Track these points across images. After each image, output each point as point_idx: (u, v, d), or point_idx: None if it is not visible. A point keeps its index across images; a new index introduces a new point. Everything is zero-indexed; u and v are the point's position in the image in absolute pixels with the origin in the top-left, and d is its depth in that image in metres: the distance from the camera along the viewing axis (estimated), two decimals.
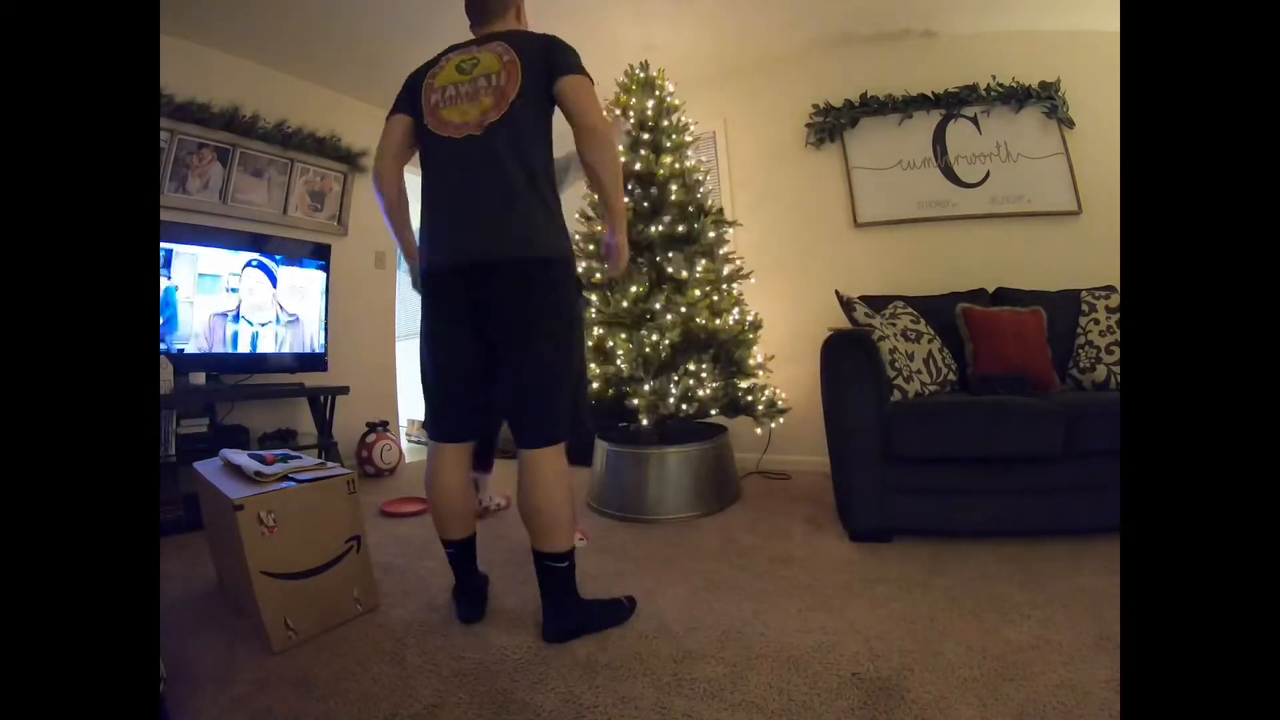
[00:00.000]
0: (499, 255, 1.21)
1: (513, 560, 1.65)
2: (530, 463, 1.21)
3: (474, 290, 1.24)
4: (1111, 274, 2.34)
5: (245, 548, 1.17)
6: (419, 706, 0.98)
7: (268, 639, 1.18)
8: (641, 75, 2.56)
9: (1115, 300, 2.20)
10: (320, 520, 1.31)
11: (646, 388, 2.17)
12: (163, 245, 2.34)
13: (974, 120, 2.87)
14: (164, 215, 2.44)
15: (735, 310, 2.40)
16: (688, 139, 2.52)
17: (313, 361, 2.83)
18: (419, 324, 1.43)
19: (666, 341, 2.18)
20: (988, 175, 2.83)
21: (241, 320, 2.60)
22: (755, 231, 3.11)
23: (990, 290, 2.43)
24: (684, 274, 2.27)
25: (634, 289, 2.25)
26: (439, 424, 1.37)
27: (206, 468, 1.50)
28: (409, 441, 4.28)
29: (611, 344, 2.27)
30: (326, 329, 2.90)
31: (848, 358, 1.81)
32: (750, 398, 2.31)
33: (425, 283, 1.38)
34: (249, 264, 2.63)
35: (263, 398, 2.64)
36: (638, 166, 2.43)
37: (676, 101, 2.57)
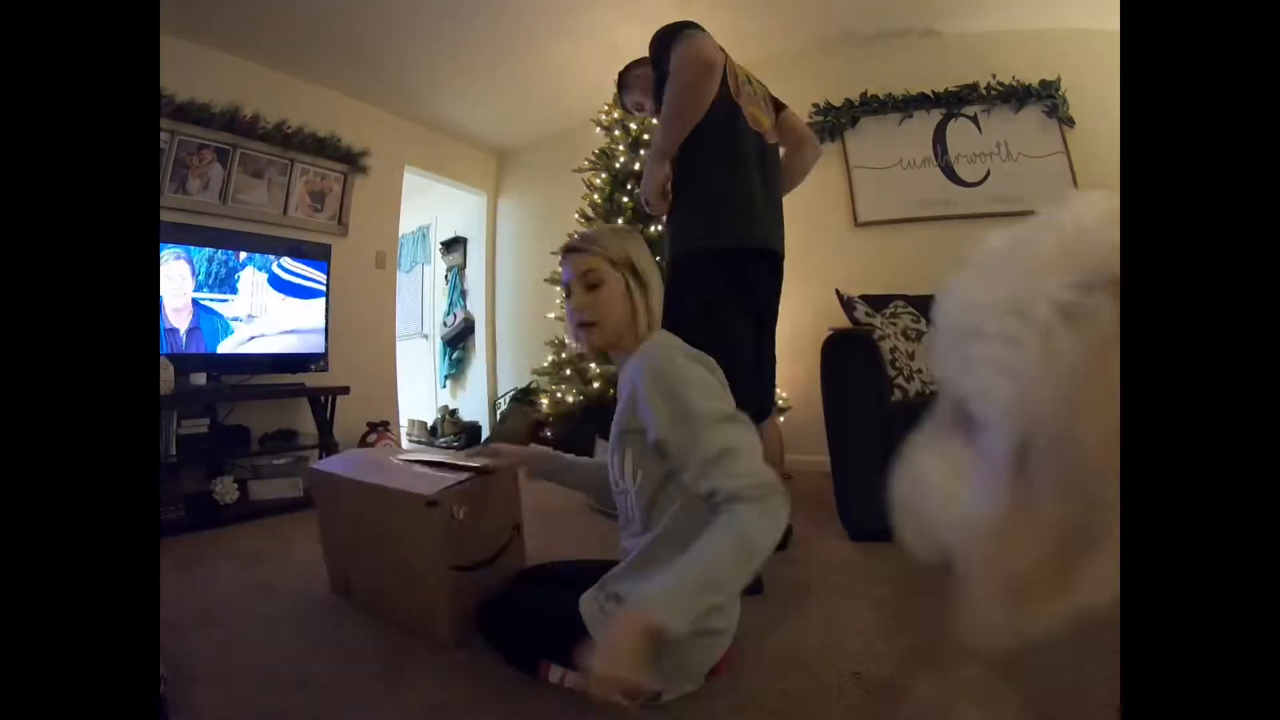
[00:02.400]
0: (780, 248, 1.51)
1: None
2: (775, 428, 1.55)
3: (762, 273, 1.47)
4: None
5: (436, 544, 1.14)
6: None
7: (447, 635, 1.15)
8: None
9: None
10: (495, 509, 1.30)
11: None
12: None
13: (974, 119, 2.87)
14: (164, 215, 2.44)
15: None
16: None
17: (313, 361, 2.83)
18: (693, 303, 1.36)
19: None
20: (988, 174, 2.83)
21: (242, 319, 2.60)
22: None
23: None
24: None
25: None
26: (761, 400, 1.56)
27: (333, 465, 1.45)
28: (409, 441, 4.29)
29: None
30: (327, 329, 2.90)
31: (848, 357, 1.81)
32: None
33: (727, 259, 1.39)
34: (249, 264, 2.63)
35: (263, 398, 2.64)
36: (637, 166, 2.43)
37: None
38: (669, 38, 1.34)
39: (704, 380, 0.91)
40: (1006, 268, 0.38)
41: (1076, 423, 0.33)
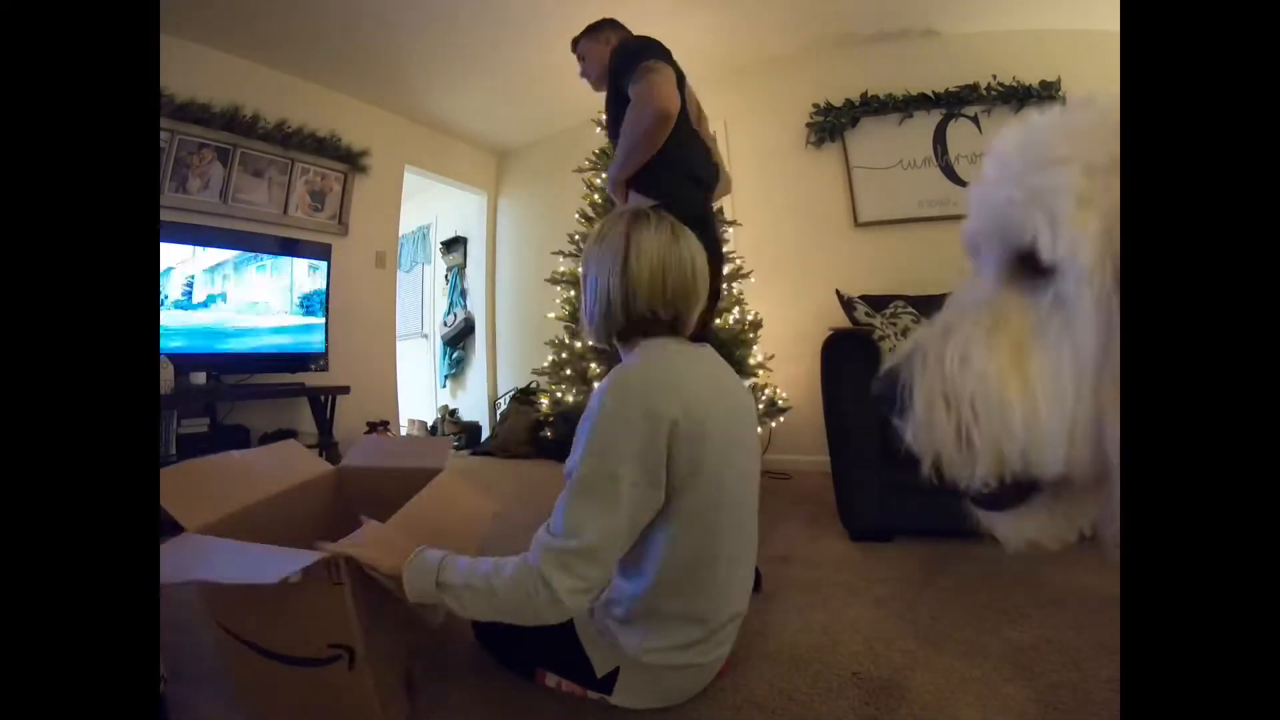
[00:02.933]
0: None
1: None
2: None
3: None
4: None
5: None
6: None
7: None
8: None
9: None
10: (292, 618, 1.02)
11: None
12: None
13: (974, 120, 2.87)
14: (164, 215, 2.44)
15: (735, 310, 2.40)
16: None
17: (313, 361, 2.83)
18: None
19: None
20: None
21: (242, 319, 2.60)
22: (755, 231, 3.10)
23: None
24: None
25: None
26: None
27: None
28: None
29: None
30: (326, 329, 2.90)
31: (848, 357, 1.81)
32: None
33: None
34: (249, 263, 2.63)
35: (263, 397, 2.64)
36: None
37: None
38: (632, 61, 1.37)
39: (612, 426, 0.81)
40: (1078, 113, 0.35)
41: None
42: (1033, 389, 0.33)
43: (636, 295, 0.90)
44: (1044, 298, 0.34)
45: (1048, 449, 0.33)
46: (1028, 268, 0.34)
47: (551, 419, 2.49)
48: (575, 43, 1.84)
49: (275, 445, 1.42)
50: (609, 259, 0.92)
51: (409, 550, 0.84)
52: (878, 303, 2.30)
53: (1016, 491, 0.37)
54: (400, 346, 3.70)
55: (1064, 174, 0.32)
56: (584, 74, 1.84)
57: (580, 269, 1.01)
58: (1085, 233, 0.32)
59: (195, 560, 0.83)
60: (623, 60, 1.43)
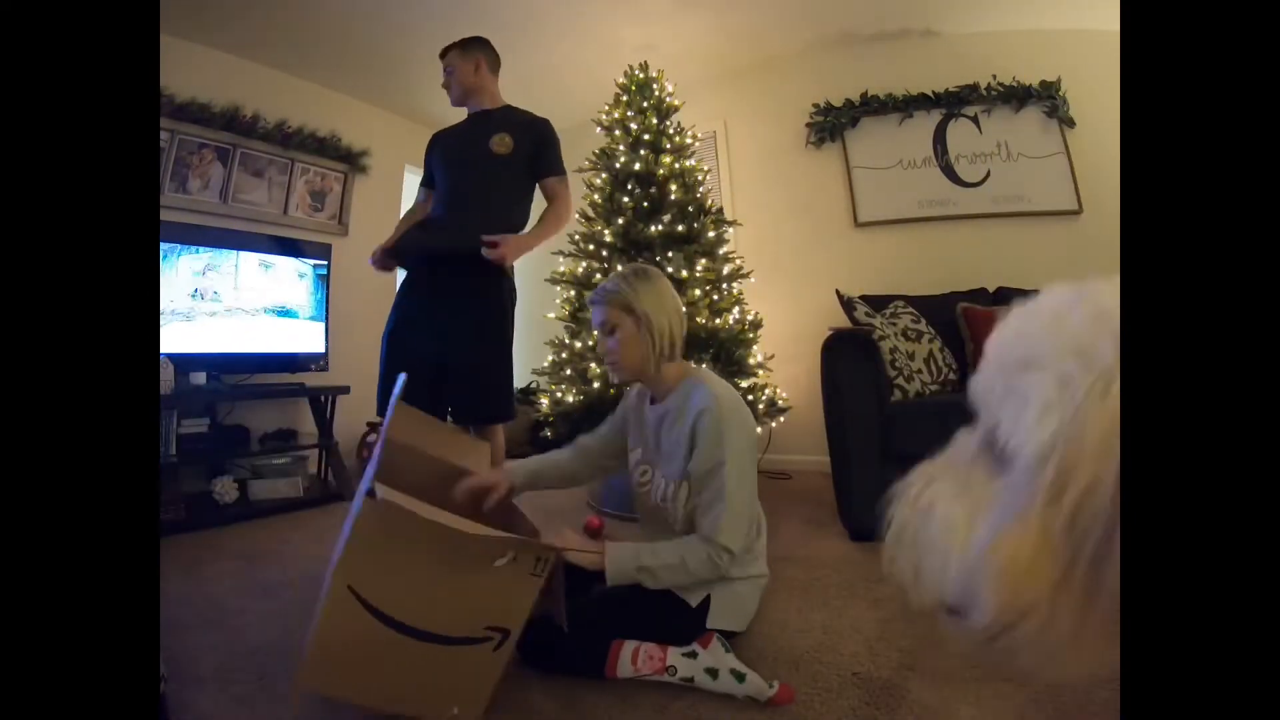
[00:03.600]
0: None
1: None
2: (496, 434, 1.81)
3: None
4: (1112, 273, 2.34)
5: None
6: None
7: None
8: (641, 76, 2.56)
9: None
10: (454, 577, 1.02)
11: None
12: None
13: (974, 120, 2.87)
14: (164, 215, 2.44)
15: (735, 310, 2.40)
16: (688, 140, 2.52)
17: (313, 361, 2.83)
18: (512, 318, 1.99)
19: None
20: (988, 175, 2.83)
21: (243, 319, 2.60)
22: (755, 231, 3.10)
23: (991, 290, 2.43)
24: (684, 273, 2.27)
25: None
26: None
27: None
28: None
29: None
30: (326, 329, 2.90)
31: (848, 357, 1.81)
32: (750, 397, 2.31)
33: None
34: (249, 263, 2.63)
35: (263, 397, 2.64)
36: (637, 166, 2.43)
37: (676, 102, 2.57)
38: (557, 154, 1.81)
39: (746, 439, 1.12)
40: (1074, 310, 0.38)
41: (1110, 472, 0.32)
42: (974, 546, 0.38)
43: (675, 328, 1.19)
44: (1007, 475, 0.38)
45: (984, 593, 0.37)
46: (1000, 450, 0.39)
47: (551, 419, 2.49)
48: (444, 53, 1.92)
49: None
50: (661, 301, 1.18)
51: (598, 548, 1.06)
52: (878, 303, 2.30)
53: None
54: None
55: (1038, 381, 0.36)
56: (446, 86, 1.93)
57: (602, 318, 1.20)
58: (1040, 436, 0.35)
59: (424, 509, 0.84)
60: (552, 145, 1.80)
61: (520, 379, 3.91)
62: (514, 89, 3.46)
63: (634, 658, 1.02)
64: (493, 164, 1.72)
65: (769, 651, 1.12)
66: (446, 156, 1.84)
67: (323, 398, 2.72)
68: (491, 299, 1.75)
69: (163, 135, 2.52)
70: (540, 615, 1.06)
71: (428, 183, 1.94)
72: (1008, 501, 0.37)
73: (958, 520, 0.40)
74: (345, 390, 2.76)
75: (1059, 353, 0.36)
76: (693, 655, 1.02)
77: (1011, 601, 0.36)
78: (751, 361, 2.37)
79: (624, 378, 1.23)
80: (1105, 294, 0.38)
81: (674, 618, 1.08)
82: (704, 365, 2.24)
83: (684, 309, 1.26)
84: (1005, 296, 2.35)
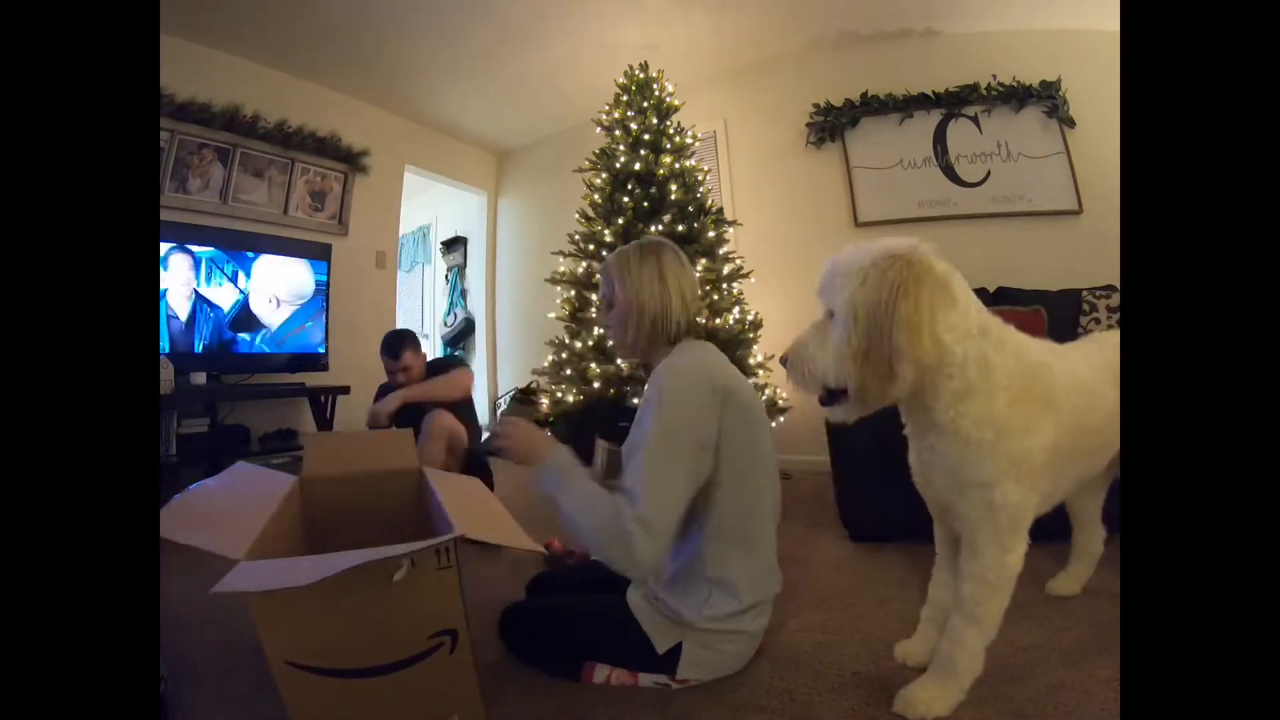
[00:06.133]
0: None
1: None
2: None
3: None
4: (1112, 273, 2.34)
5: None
6: None
7: None
8: (641, 76, 2.56)
9: (1116, 300, 2.20)
10: (395, 602, 0.96)
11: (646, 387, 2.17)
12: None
13: (974, 120, 2.87)
14: (164, 215, 2.44)
15: (735, 310, 2.40)
16: (688, 140, 2.52)
17: (313, 361, 2.83)
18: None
19: None
20: (988, 175, 2.83)
21: (243, 319, 2.60)
22: (755, 231, 3.10)
23: (991, 290, 2.43)
24: None
25: None
26: None
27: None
28: None
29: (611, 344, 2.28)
30: (326, 329, 2.90)
31: None
32: None
33: None
34: (249, 263, 2.63)
35: (263, 397, 2.64)
36: (637, 166, 2.43)
37: (676, 102, 2.57)
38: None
39: (682, 412, 0.96)
40: (859, 251, 0.84)
41: (876, 312, 0.79)
42: (826, 356, 0.85)
43: (671, 309, 1.09)
44: (834, 323, 0.84)
45: (831, 378, 0.85)
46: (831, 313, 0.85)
47: (552, 419, 2.49)
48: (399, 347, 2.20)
49: (230, 471, 1.24)
50: (651, 282, 1.09)
51: (549, 444, 1.01)
52: None
53: (831, 397, 0.88)
54: None
55: (844, 279, 0.83)
56: (391, 374, 2.14)
57: (604, 291, 1.14)
58: (844, 303, 0.82)
59: (286, 575, 0.80)
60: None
61: (520, 379, 3.92)
62: (514, 89, 3.48)
63: (607, 680, 1.02)
64: None
65: (769, 651, 1.12)
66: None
67: (323, 397, 2.72)
68: None
69: (163, 135, 2.51)
70: (520, 607, 1.12)
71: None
72: (838, 334, 0.82)
73: (819, 350, 0.86)
74: (345, 390, 2.77)
75: (850, 268, 0.83)
76: (666, 687, 1.00)
77: (845, 372, 0.82)
78: (752, 361, 2.37)
79: (625, 356, 1.18)
80: (875, 244, 0.83)
81: (647, 650, 1.00)
82: None
83: (698, 287, 1.16)
84: (1005, 296, 2.35)
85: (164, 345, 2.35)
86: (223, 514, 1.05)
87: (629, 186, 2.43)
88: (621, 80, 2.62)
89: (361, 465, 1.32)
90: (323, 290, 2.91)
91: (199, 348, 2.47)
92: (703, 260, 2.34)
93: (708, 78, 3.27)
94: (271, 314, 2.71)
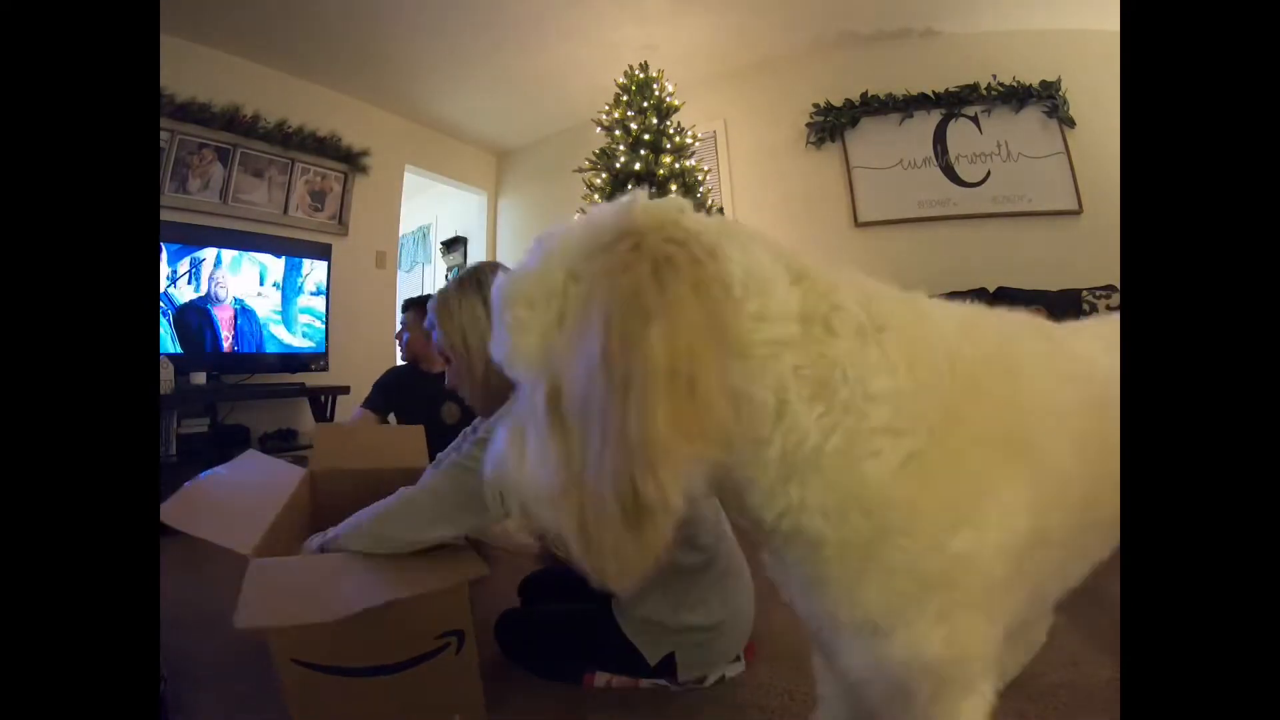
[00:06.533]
0: None
1: None
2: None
3: None
4: (1112, 273, 2.34)
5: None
6: None
7: None
8: (641, 76, 2.55)
9: (1116, 300, 2.20)
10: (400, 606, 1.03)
11: None
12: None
13: (975, 120, 2.87)
14: (164, 215, 2.44)
15: None
16: (688, 140, 2.52)
17: (313, 361, 2.83)
18: None
19: None
20: (988, 175, 2.83)
21: (243, 319, 2.60)
22: None
23: (991, 290, 2.43)
24: None
25: None
26: None
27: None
28: None
29: None
30: (326, 329, 2.90)
31: None
32: None
33: None
34: (249, 263, 2.63)
35: (263, 397, 2.64)
36: (637, 166, 2.43)
37: (676, 102, 2.57)
38: None
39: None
40: (535, 256, 0.42)
41: (593, 377, 0.33)
42: (527, 481, 0.42)
43: None
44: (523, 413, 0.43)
45: (548, 530, 0.43)
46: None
47: None
48: (406, 306, 2.13)
49: (241, 458, 1.27)
50: (476, 320, 0.90)
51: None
52: None
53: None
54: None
55: (511, 313, 0.41)
56: (398, 338, 2.17)
57: (436, 344, 0.96)
58: (525, 356, 0.40)
59: (327, 585, 0.83)
60: None
61: None
62: (514, 89, 3.48)
63: (608, 683, 1.01)
64: (444, 431, 1.71)
65: (770, 652, 1.12)
66: (403, 413, 1.94)
67: (323, 397, 2.72)
68: None
69: (163, 135, 2.51)
70: (516, 614, 1.11)
71: (373, 407, 1.98)
72: (533, 435, 0.41)
73: (513, 454, 0.43)
74: (345, 390, 2.76)
75: (530, 292, 0.41)
76: (667, 689, 0.99)
77: (555, 518, 0.40)
78: None
79: (485, 415, 0.94)
80: (575, 225, 0.44)
81: (642, 660, 0.95)
82: None
83: None
84: (1005, 296, 2.35)
85: (163, 346, 2.35)
86: (232, 505, 1.08)
87: (629, 187, 2.43)
88: (621, 80, 2.62)
89: (372, 461, 1.32)
90: (323, 290, 2.91)
91: (199, 348, 2.47)
92: None
93: (707, 78, 3.27)
94: (270, 313, 2.71)
